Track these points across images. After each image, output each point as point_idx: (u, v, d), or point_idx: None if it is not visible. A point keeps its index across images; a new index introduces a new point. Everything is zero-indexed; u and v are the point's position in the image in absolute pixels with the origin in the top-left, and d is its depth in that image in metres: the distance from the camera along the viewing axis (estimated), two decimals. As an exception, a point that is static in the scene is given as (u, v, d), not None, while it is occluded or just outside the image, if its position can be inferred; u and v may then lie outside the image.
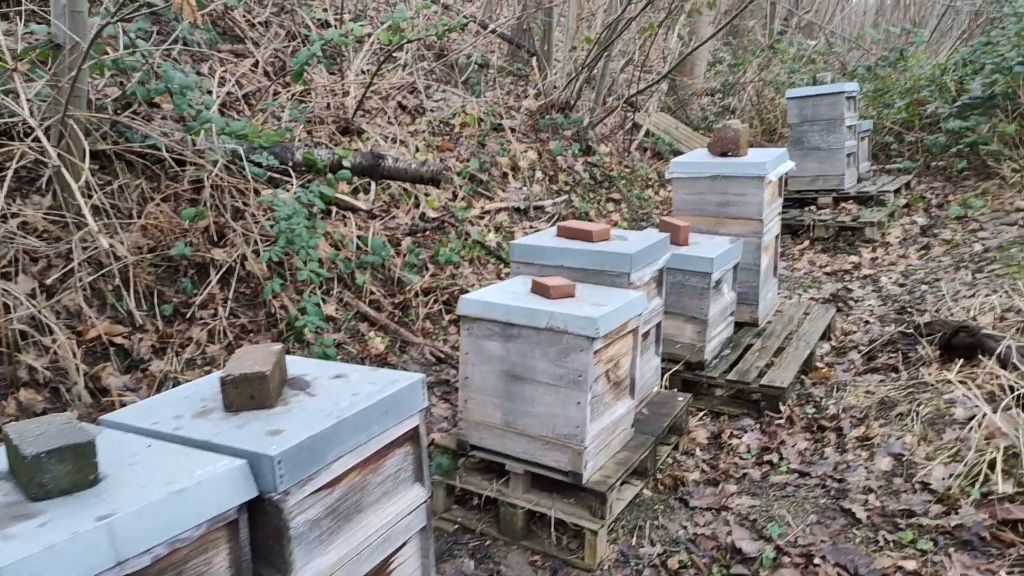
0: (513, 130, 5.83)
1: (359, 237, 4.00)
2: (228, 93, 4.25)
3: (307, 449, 1.25)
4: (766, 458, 2.80)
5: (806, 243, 5.64)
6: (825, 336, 3.87)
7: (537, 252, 2.65)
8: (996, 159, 5.89)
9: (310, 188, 3.68)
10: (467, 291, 4.16)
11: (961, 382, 2.83)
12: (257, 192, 3.55)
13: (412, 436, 1.56)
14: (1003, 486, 2.25)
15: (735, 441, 2.94)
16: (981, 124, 6.24)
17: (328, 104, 4.97)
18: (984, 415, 2.51)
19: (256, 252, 3.38)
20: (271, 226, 3.30)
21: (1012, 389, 2.57)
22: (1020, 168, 5.59)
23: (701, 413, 3.21)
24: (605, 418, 2.33)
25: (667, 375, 3.20)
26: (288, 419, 1.33)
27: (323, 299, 3.62)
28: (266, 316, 3.41)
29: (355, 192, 4.48)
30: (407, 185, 4.62)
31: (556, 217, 5.34)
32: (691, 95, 8.36)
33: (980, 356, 3.01)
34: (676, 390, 3.20)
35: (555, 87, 6.44)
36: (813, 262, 5.30)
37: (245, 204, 3.53)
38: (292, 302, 3.43)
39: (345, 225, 4.07)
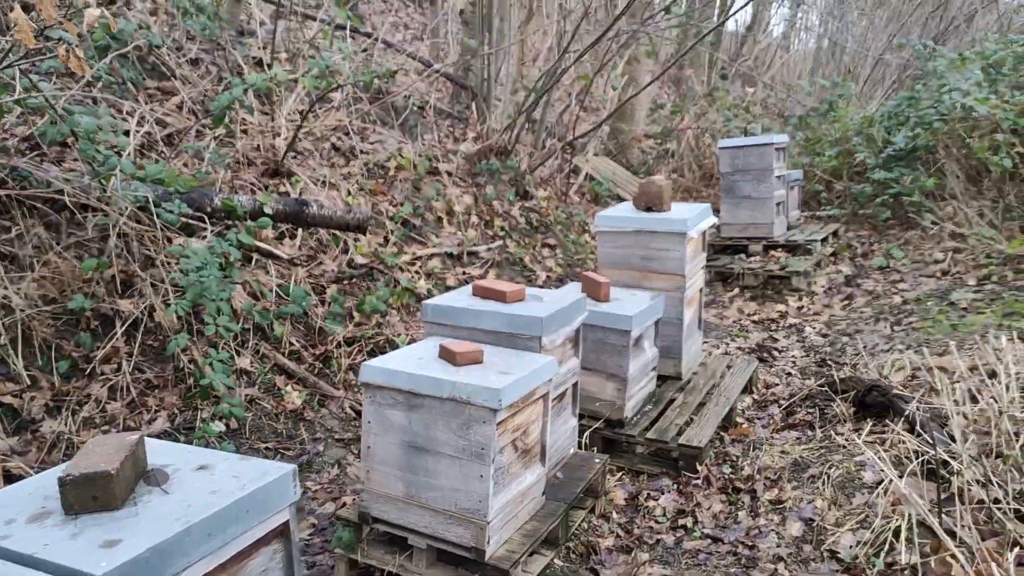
0: (450, 174, 5.81)
1: (280, 286, 3.89)
2: (147, 134, 4.12)
3: (144, 564, 1.16)
4: (681, 522, 2.77)
5: (736, 291, 5.72)
6: (747, 389, 3.90)
7: (449, 313, 2.59)
8: (918, 210, 6.11)
9: (227, 236, 3.57)
10: (394, 341, 4.08)
11: (872, 443, 2.86)
12: (169, 240, 3.42)
13: (281, 532, 1.46)
14: (906, 556, 2.26)
15: (652, 503, 2.90)
16: (905, 176, 6.48)
17: (258, 145, 4.87)
18: (891, 480, 2.53)
19: (166, 303, 3.24)
20: (182, 276, 3.17)
21: (918, 454, 2.60)
22: (939, 220, 5.81)
23: (621, 472, 3.17)
24: (512, 489, 2.27)
25: (588, 432, 3.16)
26: (131, 525, 1.23)
27: (238, 351, 3.49)
28: (174, 371, 3.27)
29: (280, 237, 4.37)
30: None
31: (491, 263, 5.31)
32: (631, 139, 8.51)
33: (891, 416, 3.06)
34: (595, 449, 3.16)
35: (495, 131, 6.47)
36: (742, 310, 5.38)
37: (156, 252, 3.40)
38: (204, 355, 3.30)
39: (266, 273, 3.95)
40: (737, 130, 8.11)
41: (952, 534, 2.22)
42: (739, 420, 3.56)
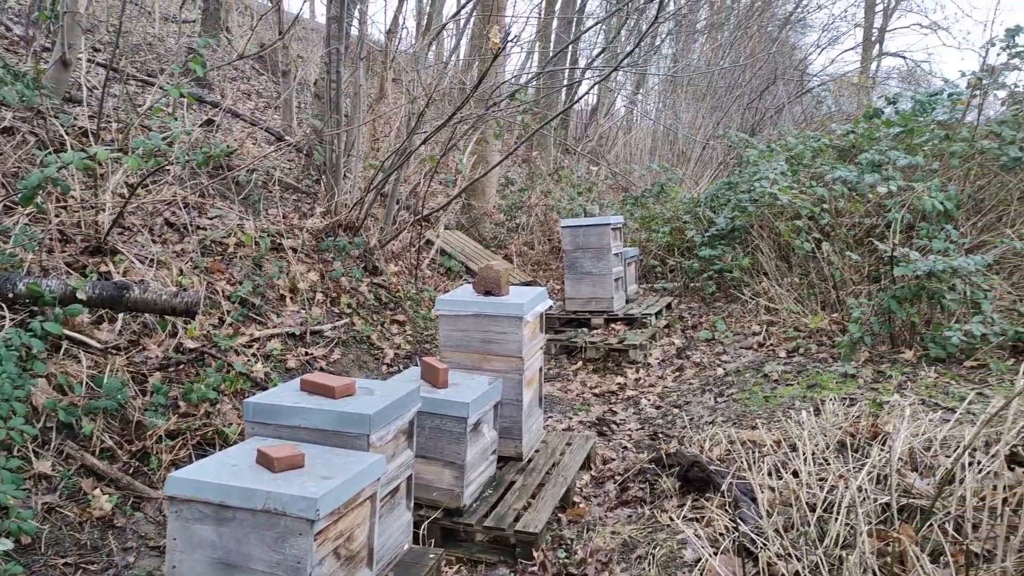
0: (295, 250, 5.68)
1: (93, 376, 3.58)
2: (-60, 211, 3.72)
3: None
4: (516, 613, 2.76)
5: (580, 363, 5.95)
6: (587, 465, 4.02)
7: (273, 412, 2.50)
8: (738, 286, 6.69)
9: (31, 325, 3.26)
10: (224, 431, 3.85)
11: (692, 520, 3.02)
12: (-43, 332, 3.06)
13: None
14: (718, 634, 2.38)
15: (488, 595, 2.88)
16: (726, 253, 7.11)
17: (78, 221, 4.53)
18: (707, 559, 2.67)
19: (-53, 404, 2.87)
20: (-32, 375, 2.84)
21: (731, 531, 2.78)
22: (756, 295, 6.39)
23: (459, 563, 3.13)
24: (334, 600, 2.17)
25: (425, 523, 3.11)
26: None
27: (36, 453, 3.15)
28: (-46, 481, 2.88)
29: (98, 321, 4.04)
30: (163, 313, 4.26)
31: (336, 341, 5.18)
32: (483, 214, 8.76)
33: (711, 491, 3.25)
34: (433, 542, 3.11)
35: (344, 206, 6.43)
36: (585, 383, 5.58)
37: (-61, 346, 3.03)
38: (-8, 461, 2.93)
39: (77, 363, 3.63)
40: (580, 208, 8.58)
41: (758, 609, 2.37)
42: (576, 500, 3.65)
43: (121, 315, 4.08)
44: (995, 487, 2.71)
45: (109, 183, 4.79)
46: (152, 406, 3.71)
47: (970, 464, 2.82)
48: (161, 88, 5.84)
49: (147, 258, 4.59)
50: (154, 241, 4.85)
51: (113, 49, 5.41)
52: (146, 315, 4.23)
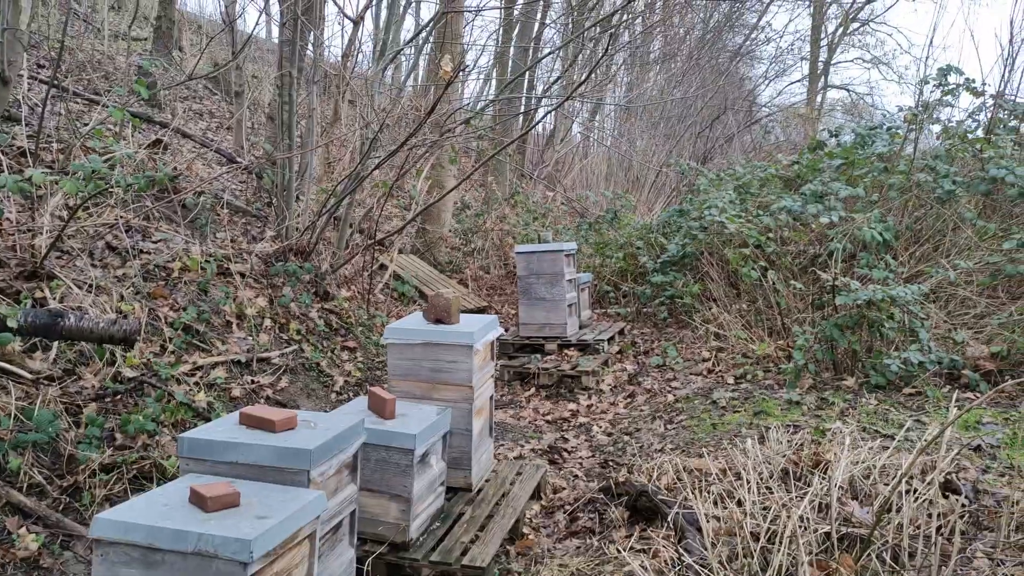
0: (243, 275, 5.57)
1: (23, 409, 3.43)
2: None
3: None
4: (461, 651, 2.71)
5: (533, 390, 5.94)
6: (537, 495, 3.99)
7: (207, 448, 2.42)
8: (688, 312, 6.80)
9: (-45, 355, 3.11)
10: (162, 464, 3.72)
11: (639, 551, 3.02)
12: None
13: None
14: (663, 669, 2.37)
15: (433, 632, 2.82)
16: (677, 280, 7.22)
17: (13, 245, 4.37)
18: (652, 590, 2.67)
19: None
20: None
21: (676, 562, 2.78)
22: (706, 321, 6.49)
23: (405, 599, 3.06)
24: (269, 644, 2.09)
25: (370, 559, 3.04)
26: None
27: (-42, 491, 2.99)
28: None
29: (31, 350, 3.89)
30: (101, 340, 4.11)
31: (284, 369, 5.08)
32: (438, 238, 8.74)
33: (659, 521, 3.26)
34: (378, 577, 3.04)
35: (296, 230, 6.34)
36: (538, 409, 5.57)
37: None
38: (-93, 501, 2.78)
39: (7, 393, 3.47)
40: (535, 233, 8.63)
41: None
42: (526, 531, 3.62)
43: (56, 343, 3.93)
44: (930, 515, 2.78)
45: (47, 205, 4.64)
46: (86, 438, 3.56)
47: (907, 492, 2.89)
48: (106, 107, 5.70)
49: (86, 283, 4.45)
50: (94, 265, 4.70)
51: (55, 66, 5.27)
52: (83, 344, 4.08)
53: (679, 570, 2.72)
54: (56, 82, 5.48)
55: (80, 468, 3.45)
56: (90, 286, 4.45)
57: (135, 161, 5.36)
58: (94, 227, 4.98)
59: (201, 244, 5.51)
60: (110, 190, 4.99)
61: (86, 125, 5.77)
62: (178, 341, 4.57)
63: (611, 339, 6.66)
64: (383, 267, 7.70)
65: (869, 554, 2.61)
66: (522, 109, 9.04)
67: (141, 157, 5.65)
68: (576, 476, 4.28)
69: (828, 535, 2.79)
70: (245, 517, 2.06)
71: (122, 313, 4.35)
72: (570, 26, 11.69)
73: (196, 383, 4.42)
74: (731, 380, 5.29)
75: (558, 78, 9.79)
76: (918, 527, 2.71)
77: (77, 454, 3.45)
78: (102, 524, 2.01)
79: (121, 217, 5.14)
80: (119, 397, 3.96)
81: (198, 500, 2.12)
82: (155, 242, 5.32)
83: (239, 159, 7.50)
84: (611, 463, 4.28)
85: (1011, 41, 7.03)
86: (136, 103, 7.21)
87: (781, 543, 2.68)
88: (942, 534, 2.67)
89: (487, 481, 3.93)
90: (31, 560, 2.98)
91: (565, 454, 4.66)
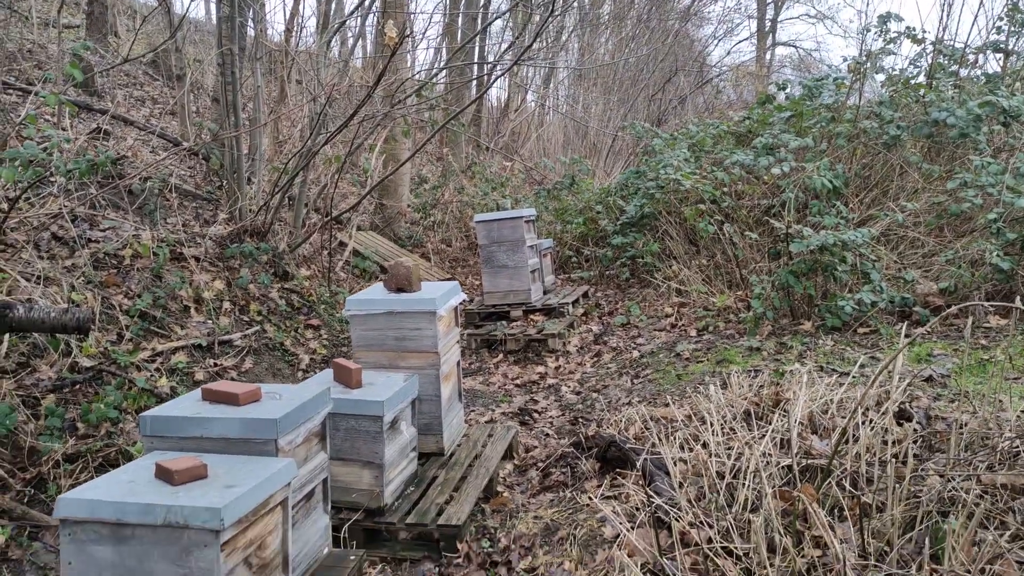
0: (198, 259, 5.46)
1: (-23, 404, 3.34)
2: None
3: None
4: (442, 607, 2.76)
5: (501, 356, 5.97)
6: (509, 455, 4.04)
7: (170, 424, 2.39)
8: (650, 271, 6.88)
9: (-101, 353, 3.01)
10: (128, 451, 3.67)
11: (610, 498, 3.09)
12: None
13: None
14: (638, 605, 2.44)
15: (413, 592, 2.86)
16: (638, 240, 7.29)
17: (-48, 239, 4.21)
18: (624, 533, 2.73)
19: None
20: None
21: (646, 504, 2.85)
22: (667, 278, 6.58)
23: (383, 563, 3.09)
24: (247, 611, 2.10)
25: (347, 526, 3.06)
26: None
27: (-86, 491, 2.91)
28: None
29: (-20, 345, 3.77)
30: (54, 331, 4.01)
31: (247, 350, 5.02)
32: (397, 213, 8.66)
33: (628, 469, 3.34)
34: (355, 544, 3.06)
35: (250, 211, 6.22)
36: (506, 374, 5.61)
37: None
38: None
39: (-42, 390, 3.38)
40: (494, 203, 8.61)
41: (674, 577, 2.45)
42: (500, 489, 3.66)
43: (7, 337, 3.82)
44: (885, 442, 2.90)
45: (-15, 197, 4.47)
46: (47, 430, 3.49)
47: (863, 423, 3.00)
48: (38, 95, 5.48)
49: (34, 275, 4.32)
50: (41, 257, 4.56)
51: (-17, 55, 5.05)
52: (35, 335, 3.98)
53: (649, 512, 2.79)
54: (-15, 70, 5.25)
55: (43, 460, 3.38)
56: (38, 278, 4.32)
57: (75, 147, 5.19)
58: (38, 218, 4.83)
59: (152, 230, 5.38)
60: (50, 178, 4.84)
61: (18, 116, 5.55)
62: (135, 328, 4.48)
63: (575, 302, 6.71)
64: (342, 245, 7.62)
65: (829, 482, 2.71)
66: (474, 75, 8.95)
67: (81, 143, 5.47)
68: (547, 435, 4.34)
69: (790, 468, 2.88)
70: (214, 487, 2.05)
71: (74, 303, 4.24)
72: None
73: (157, 369, 4.35)
74: (693, 333, 5.39)
75: (510, 45, 9.71)
76: (874, 454, 2.82)
77: (39, 446, 3.38)
78: (67, 504, 1.98)
79: (65, 206, 4.98)
80: (78, 387, 3.88)
81: (164, 475, 2.10)
82: (103, 230, 5.18)
83: (183, 143, 7.31)
84: (581, 420, 4.35)
85: (948, -13, 7.17)
86: (72, 91, 6.96)
87: (746, 478, 2.77)
88: (897, 458, 2.78)
89: (459, 445, 3.96)
90: (-2, 554, 2.93)
91: (535, 415, 4.71)
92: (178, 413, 2.41)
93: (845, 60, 7.19)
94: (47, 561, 3.01)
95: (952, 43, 7.27)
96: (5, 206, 4.58)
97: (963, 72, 7.04)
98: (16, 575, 2.89)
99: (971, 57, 7.27)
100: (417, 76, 8.54)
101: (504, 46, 13.52)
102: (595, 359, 5.60)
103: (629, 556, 2.69)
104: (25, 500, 3.23)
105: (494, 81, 9.42)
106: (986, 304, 2.42)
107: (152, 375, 4.25)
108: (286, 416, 2.42)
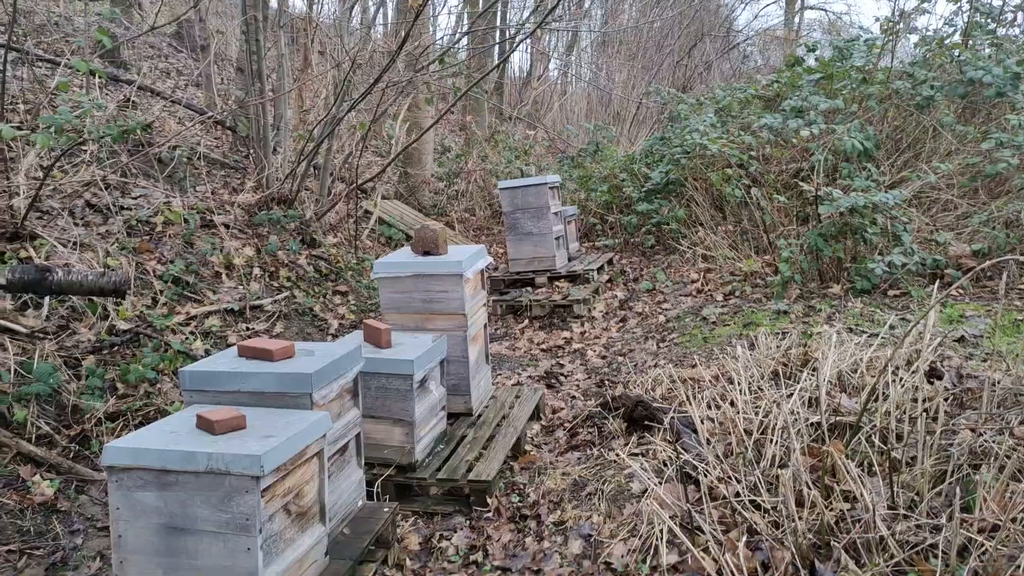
0: (227, 226, 5.53)
1: (22, 363, 3.45)
2: None
3: None
4: (472, 557, 2.82)
5: (526, 322, 6.01)
6: (536, 416, 4.09)
7: (209, 379, 2.46)
8: (675, 237, 6.84)
9: (-53, 313, 3.11)
10: (167, 410, 3.77)
11: (638, 455, 3.12)
12: None
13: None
14: (667, 558, 2.48)
15: (445, 543, 2.93)
16: (663, 207, 7.23)
17: (-9, 206, 4.31)
18: (652, 488, 2.77)
19: None
20: None
21: (674, 460, 2.88)
22: (693, 245, 6.54)
23: (416, 516, 3.17)
24: (287, 556, 2.18)
25: (379, 481, 3.13)
26: None
27: (-34, 445, 3.03)
28: None
29: (23, 308, 3.89)
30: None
31: (277, 315, 5.11)
32: (420, 182, 8.68)
33: (655, 428, 3.36)
34: (388, 498, 3.13)
35: (276, 179, 6.28)
36: (532, 340, 5.65)
37: None
38: (-83, 456, 2.82)
39: (4, 349, 3.49)
40: (518, 171, 8.58)
41: (702, 530, 2.48)
42: (527, 448, 3.72)
43: (47, 300, 3.93)
44: (915, 399, 2.88)
45: (21, 165, 4.57)
46: (88, 389, 3.60)
47: (893, 381, 2.99)
48: (67, 66, 5.55)
49: (70, 241, 4.42)
50: (76, 224, 4.67)
51: (8, 28, 5.11)
52: (74, 299, 4.08)
53: (677, 467, 2.82)
54: (13, 44, 5.31)
55: (86, 418, 3.50)
56: (74, 244, 4.42)
57: (106, 112, 5.25)
58: (71, 186, 4.92)
59: (182, 197, 5.46)
60: (83, 147, 4.92)
61: (50, 87, 5.63)
62: (169, 293, 4.57)
63: (600, 269, 6.70)
64: (368, 213, 7.66)
65: (859, 439, 2.71)
66: (496, 40, 8.87)
67: (111, 110, 5.53)
68: (574, 397, 4.37)
69: (818, 426, 2.89)
70: (253, 437, 2.11)
71: (109, 267, 4.34)
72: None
73: (191, 332, 4.44)
74: (720, 297, 5.37)
75: (534, 10, 9.59)
76: (904, 411, 2.81)
77: (81, 404, 3.49)
78: (113, 452, 2.05)
79: (98, 174, 5.07)
80: (116, 349, 3.98)
81: (205, 425, 2.16)
82: (135, 198, 5.27)
83: (210, 112, 7.36)
84: (607, 382, 4.37)
85: (987, -59, 6.91)
86: (102, 61, 7.03)
87: (774, 435, 2.78)
88: (928, 413, 2.77)
89: (487, 407, 4.01)
90: (48, 505, 3.04)
91: (562, 378, 4.75)
92: (217, 368, 2.48)
93: (877, 20, 7.01)
94: (93, 513, 3.13)
95: (990, 1, 7.04)
96: (40, 174, 4.67)
97: (1000, 32, 6.82)
98: (66, 525, 3.01)
99: (1010, 15, 7.03)
100: (439, 43, 8.49)
101: (527, 13, 13.35)
102: (620, 324, 5.61)
103: (660, 507, 2.73)
104: (71, 456, 3.35)
105: (517, 45, 9.31)
106: (1021, 257, 2.38)
107: (187, 338, 4.35)
108: (320, 371, 2.47)
